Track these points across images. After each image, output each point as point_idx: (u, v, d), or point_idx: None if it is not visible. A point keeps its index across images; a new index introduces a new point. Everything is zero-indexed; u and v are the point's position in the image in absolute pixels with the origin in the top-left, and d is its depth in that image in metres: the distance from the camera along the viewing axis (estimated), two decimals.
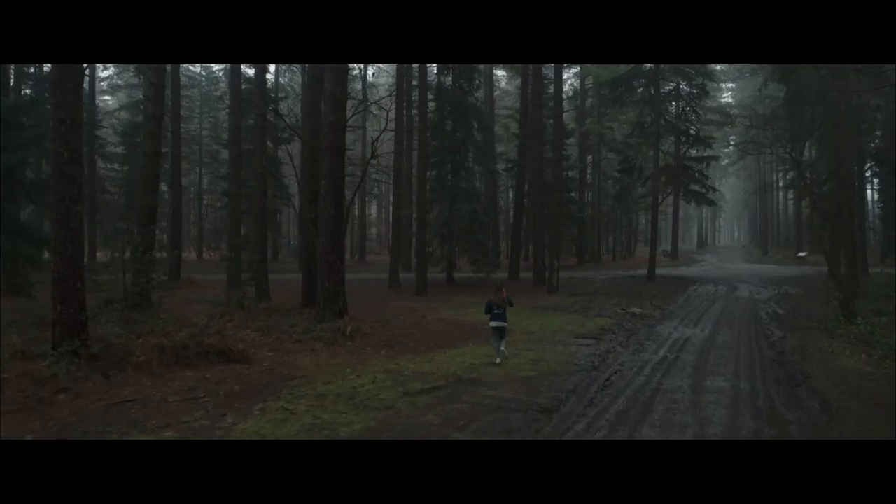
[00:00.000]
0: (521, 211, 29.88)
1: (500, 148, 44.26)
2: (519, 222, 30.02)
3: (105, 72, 45.15)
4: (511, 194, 44.78)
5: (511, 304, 10.56)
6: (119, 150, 36.82)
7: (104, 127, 40.73)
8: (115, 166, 38.85)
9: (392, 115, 22.23)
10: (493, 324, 10.15)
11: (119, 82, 47.36)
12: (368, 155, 24.17)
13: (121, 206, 37.41)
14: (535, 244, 27.70)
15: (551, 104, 35.90)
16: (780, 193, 62.11)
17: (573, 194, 41.88)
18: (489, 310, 10.26)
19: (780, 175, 53.15)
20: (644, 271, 30.03)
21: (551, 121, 39.24)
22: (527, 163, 28.38)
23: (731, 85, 62.28)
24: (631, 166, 31.97)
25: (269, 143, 36.69)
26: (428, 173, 28.90)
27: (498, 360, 9.83)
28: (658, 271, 31.51)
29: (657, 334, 13.14)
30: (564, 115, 46.85)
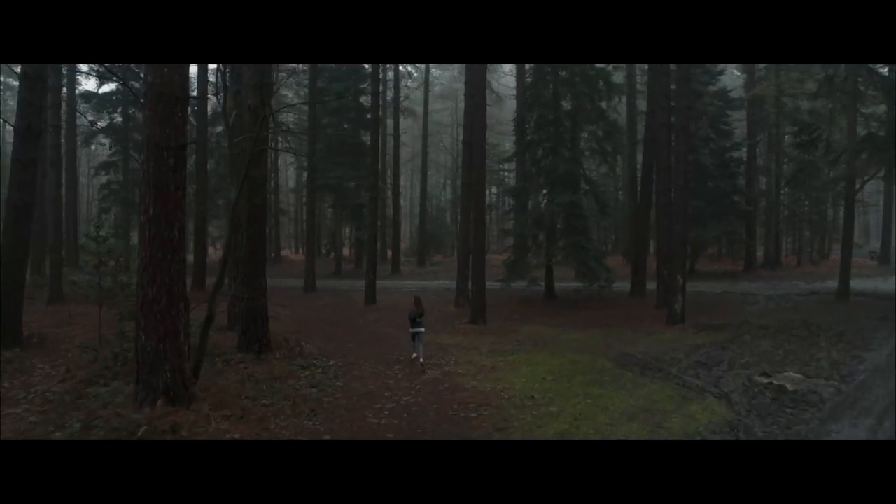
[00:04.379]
0: (649, 204, 22.11)
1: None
2: (644, 220, 22.28)
3: None
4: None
5: (421, 314, 11.51)
6: None
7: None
8: None
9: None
10: (412, 330, 11.47)
11: None
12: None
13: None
14: (658, 250, 19.96)
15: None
16: None
17: (739, 181, 32.57)
18: (412, 319, 11.52)
19: None
20: (836, 283, 20.83)
21: (709, 87, 30.91)
22: (657, 138, 20.63)
23: None
24: (814, 139, 22.66)
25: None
26: (520, 155, 22.38)
27: (415, 355, 11.30)
28: (858, 284, 22.09)
29: None
30: (731, 81, 37.34)
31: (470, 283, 17.09)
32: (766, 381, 9.33)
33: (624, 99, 28.25)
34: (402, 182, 68.07)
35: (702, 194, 29.42)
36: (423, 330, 11.40)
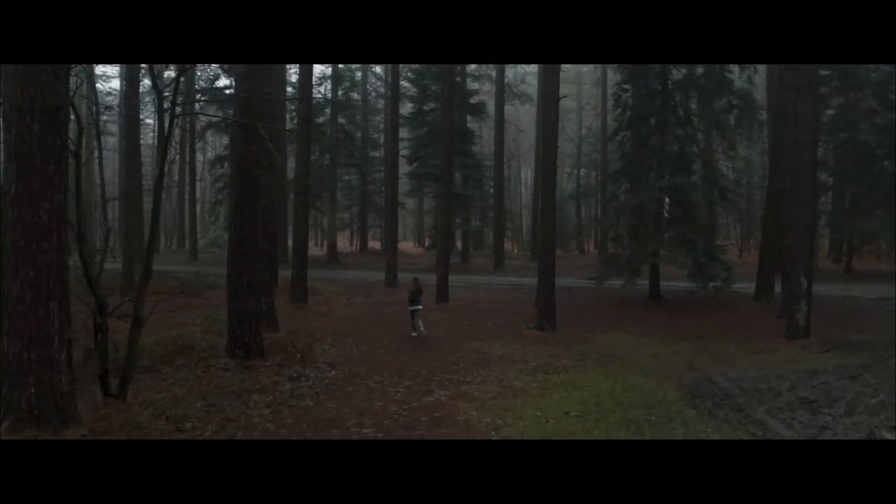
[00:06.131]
0: (782, 191, 18.18)
1: None
2: (773, 209, 18.37)
3: None
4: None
5: (420, 292, 13.50)
6: None
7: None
8: None
9: None
10: (411, 308, 13.22)
11: None
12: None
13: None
14: (782, 245, 16.19)
15: None
16: None
17: None
18: (410, 299, 13.34)
19: None
20: None
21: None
22: (783, 107, 16.79)
23: None
24: None
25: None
26: (621, 133, 19.40)
27: (414, 333, 12.97)
28: None
29: None
30: None
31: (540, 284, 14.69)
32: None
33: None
34: (530, 173, 65.60)
35: (864, 179, 24.70)
36: (420, 308, 13.23)
